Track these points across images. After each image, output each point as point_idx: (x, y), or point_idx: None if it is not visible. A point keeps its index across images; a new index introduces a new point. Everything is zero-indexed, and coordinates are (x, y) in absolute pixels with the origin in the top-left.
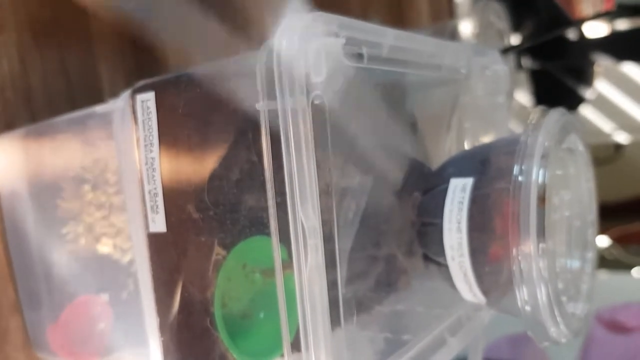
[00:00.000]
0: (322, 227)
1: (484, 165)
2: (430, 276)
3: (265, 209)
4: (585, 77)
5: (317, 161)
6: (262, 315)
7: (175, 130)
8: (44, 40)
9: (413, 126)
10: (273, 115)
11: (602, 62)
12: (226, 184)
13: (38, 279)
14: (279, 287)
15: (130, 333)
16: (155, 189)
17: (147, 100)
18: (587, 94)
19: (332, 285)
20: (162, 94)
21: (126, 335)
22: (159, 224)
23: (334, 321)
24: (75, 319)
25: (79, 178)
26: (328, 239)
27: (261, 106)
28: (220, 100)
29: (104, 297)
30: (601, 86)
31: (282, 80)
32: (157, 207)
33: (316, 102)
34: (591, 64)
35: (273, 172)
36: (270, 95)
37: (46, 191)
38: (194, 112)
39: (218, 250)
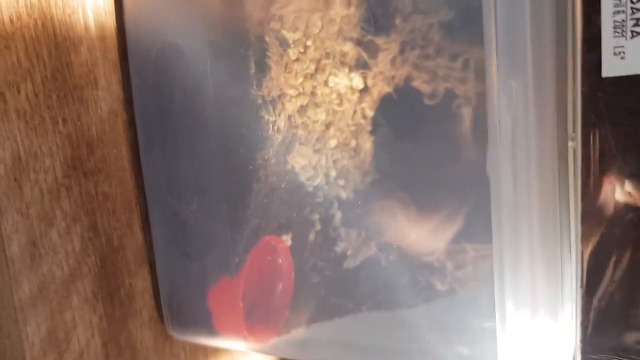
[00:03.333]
0: None
1: None
2: None
3: None
4: None
5: None
6: None
7: None
8: None
9: None
10: None
11: None
12: None
13: (206, 204)
14: None
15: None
16: None
17: None
18: None
19: None
20: None
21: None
22: (637, 60)
23: None
24: (260, 270)
25: (279, 36)
26: None
27: None
28: None
29: (286, 238)
30: None
31: None
32: (639, 20)
33: None
34: None
35: None
36: None
37: (239, 43)
38: None
39: None
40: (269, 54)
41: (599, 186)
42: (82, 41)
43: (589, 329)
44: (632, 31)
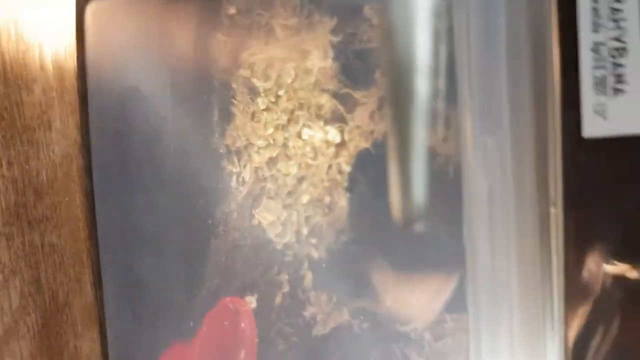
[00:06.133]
0: None
1: None
2: None
3: None
4: None
5: None
6: None
7: None
8: None
9: None
10: None
11: None
12: None
13: (161, 261)
14: None
15: None
16: (620, 33)
17: None
18: None
19: None
20: None
21: None
22: (619, 120)
23: None
24: (218, 335)
25: (248, 84)
26: None
27: None
28: None
29: (250, 300)
30: None
31: None
32: (621, 77)
33: None
34: None
35: None
36: None
37: (202, 88)
38: None
39: None
40: (234, 101)
41: (583, 258)
42: (35, 80)
43: None
44: (614, 88)
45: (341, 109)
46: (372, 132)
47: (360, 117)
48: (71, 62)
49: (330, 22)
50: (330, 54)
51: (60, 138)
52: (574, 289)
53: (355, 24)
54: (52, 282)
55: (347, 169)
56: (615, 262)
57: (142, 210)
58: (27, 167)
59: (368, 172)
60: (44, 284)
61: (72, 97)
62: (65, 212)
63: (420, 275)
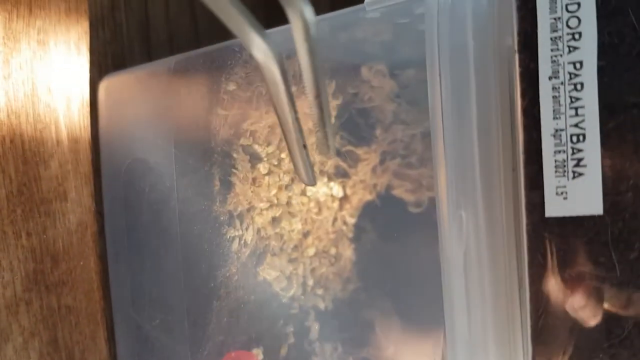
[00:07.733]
0: None
1: None
2: None
3: None
4: None
5: None
6: None
7: None
8: None
9: None
10: None
11: None
12: None
13: (167, 321)
14: None
15: None
16: (579, 120)
17: None
18: None
19: None
20: None
21: None
22: (579, 201)
23: None
24: None
25: (250, 151)
26: None
27: None
28: None
29: (257, 352)
30: None
31: None
32: (580, 161)
33: None
34: None
35: None
36: None
37: (204, 160)
38: None
39: None
40: (234, 170)
41: (549, 331)
42: (52, 156)
43: None
44: (573, 171)
45: (343, 165)
46: (375, 185)
47: (363, 171)
48: (85, 135)
49: (329, 86)
50: (333, 112)
51: (76, 207)
52: (543, 348)
53: (355, 85)
54: (69, 341)
55: (351, 220)
56: (580, 339)
57: (149, 273)
58: (45, 236)
59: (374, 222)
60: (61, 343)
61: (87, 168)
62: (81, 275)
63: (424, 324)
